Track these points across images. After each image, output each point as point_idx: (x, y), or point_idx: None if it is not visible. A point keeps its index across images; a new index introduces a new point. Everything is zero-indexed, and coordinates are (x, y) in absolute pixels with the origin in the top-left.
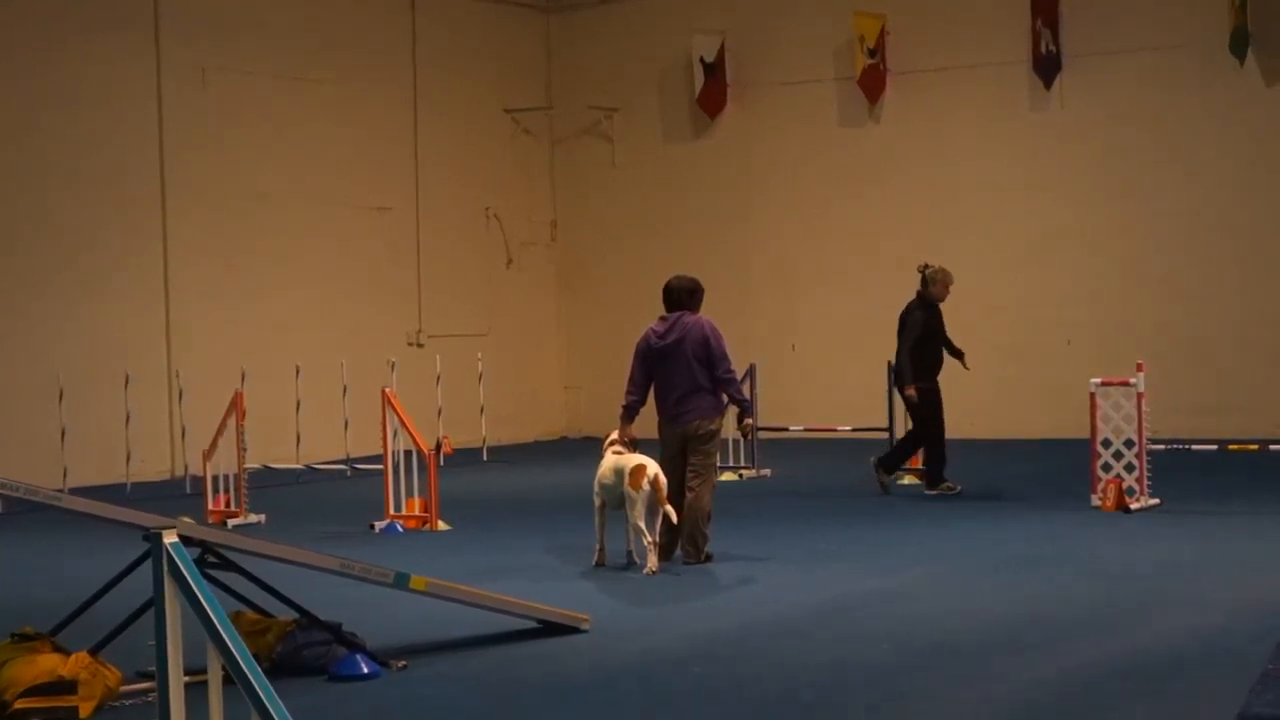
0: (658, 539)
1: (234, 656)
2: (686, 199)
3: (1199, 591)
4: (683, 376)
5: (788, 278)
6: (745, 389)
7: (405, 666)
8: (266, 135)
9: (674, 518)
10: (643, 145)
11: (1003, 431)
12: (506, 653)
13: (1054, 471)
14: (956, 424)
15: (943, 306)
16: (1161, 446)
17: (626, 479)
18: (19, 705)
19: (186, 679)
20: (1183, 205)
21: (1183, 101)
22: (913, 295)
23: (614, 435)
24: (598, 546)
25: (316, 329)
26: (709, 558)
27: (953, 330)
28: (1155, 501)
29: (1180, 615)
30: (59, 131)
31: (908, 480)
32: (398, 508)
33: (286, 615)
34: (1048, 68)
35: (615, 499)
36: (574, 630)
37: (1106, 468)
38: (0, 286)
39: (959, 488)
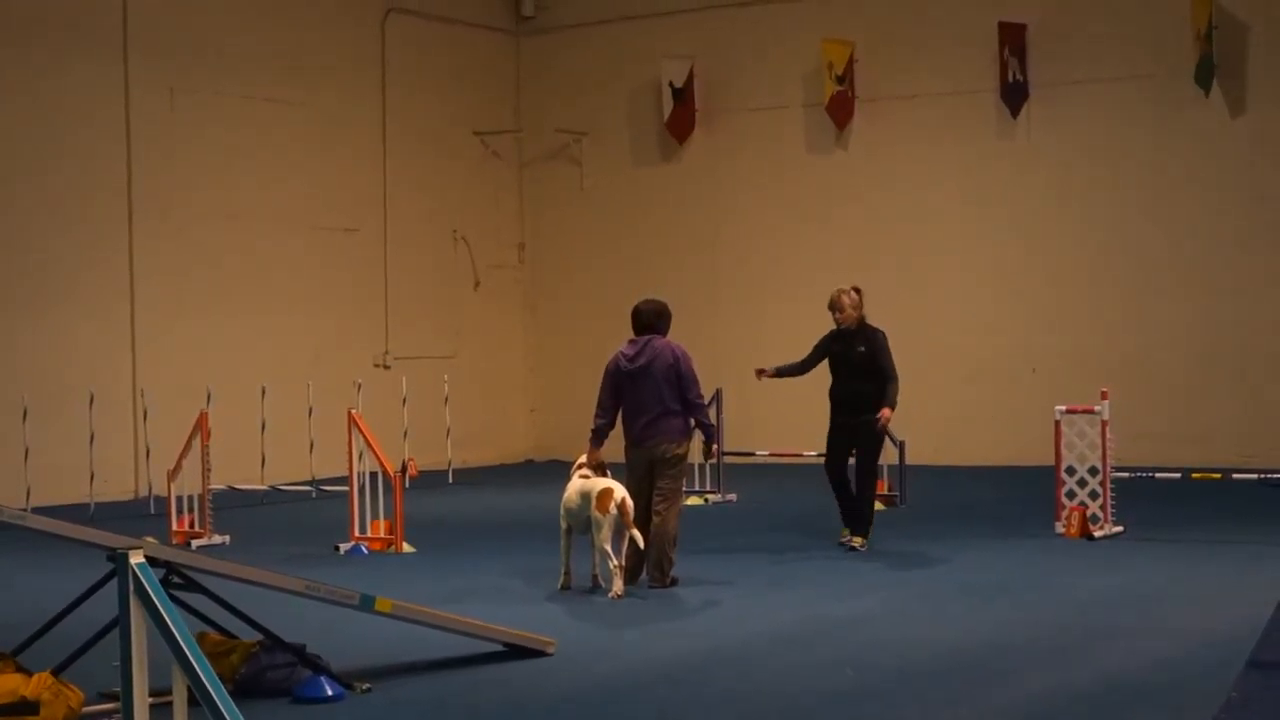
0: (623, 562)
1: (199, 677)
2: (654, 223)
3: (1163, 619)
4: (651, 400)
5: (755, 302)
6: (711, 413)
7: (369, 689)
8: (234, 156)
9: (640, 542)
10: (611, 169)
11: (967, 458)
12: (471, 676)
13: (1018, 498)
14: (919, 450)
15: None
16: (1125, 474)
17: (594, 502)
18: None
19: (151, 700)
20: (1149, 234)
21: (1148, 131)
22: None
23: (582, 459)
24: (563, 570)
25: (282, 350)
26: (674, 582)
27: (919, 356)
28: (1119, 529)
29: (1144, 643)
30: (27, 150)
31: (879, 506)
32: (363, 529)
33: (251, 636)
34: (1015, 96)
35: (581, 523)
36: (539, 654)
37: (1071, 495)
38: None
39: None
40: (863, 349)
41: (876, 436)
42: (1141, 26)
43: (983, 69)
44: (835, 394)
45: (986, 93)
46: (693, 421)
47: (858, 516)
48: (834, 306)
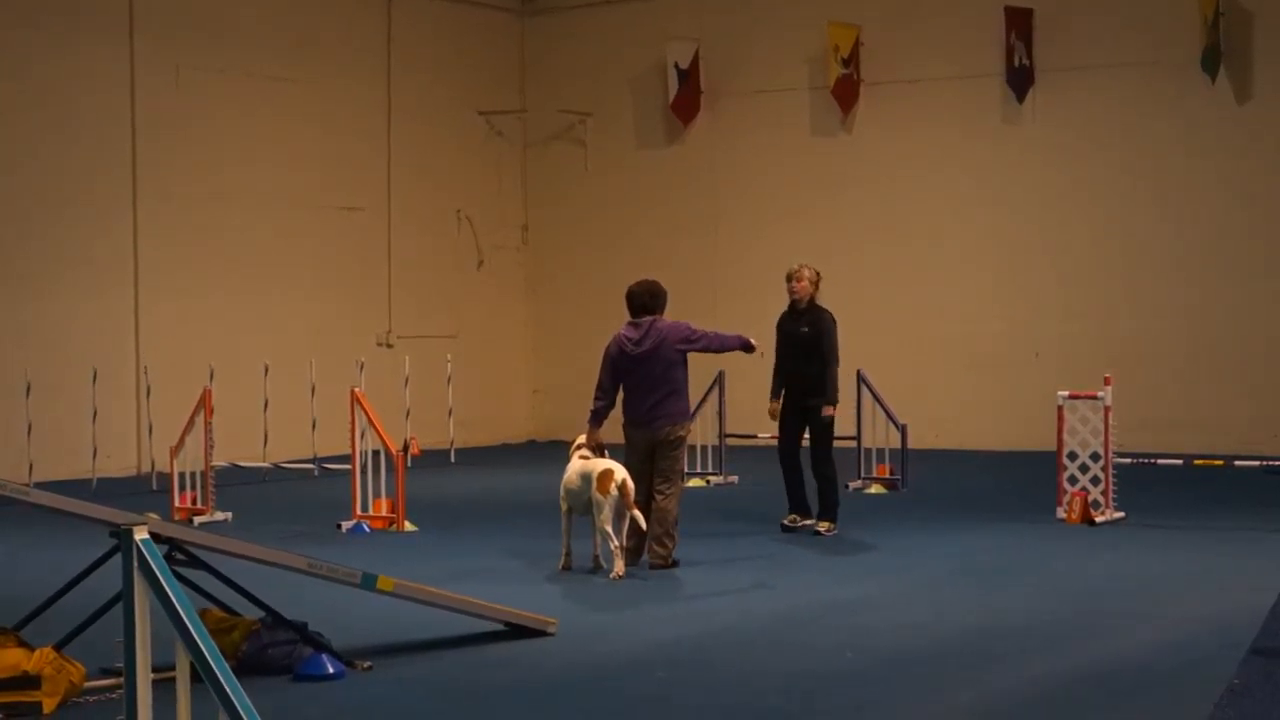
0: (624, 544)
1: (203, 654)
2: (658, 205)
3: (1163, 605)
4: (656, 382)
5: (757, 285)
6: (714, 396)
7: (370, 667)
8: (239, 134)
9: (641, 523)
10: (615, 150)
11: (969, 442)
12: (472, 655)
13: (1020, 483)
14: (921, 435)
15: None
16: (1127, 460)
17: (594, 484)
18: None
19: (153, 676)
20: (1153, 220)
21: (1154, 117)
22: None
23: (581, 439)
24: (564, 550)
25: (286, 328)
26: (675, 563)
27: (922, 339)
28: (1120, 515)
29: (1145, 629)
30: (32, 127)
31: (874, 489)
32: (365, 508)
33: (253, 614)
34: (1021, 81)
35: (581, 504)
36: (540, 634)
37: (1072, 480)
38: None
39: (795, 522)
40: (806, 329)
41: (825, 426)
42: (1148, 12)
43: (988, 53)
44: (781, 375)
45: (992, 77)
46: (740, 349)
47: (824, 504)
48: (792, 277)
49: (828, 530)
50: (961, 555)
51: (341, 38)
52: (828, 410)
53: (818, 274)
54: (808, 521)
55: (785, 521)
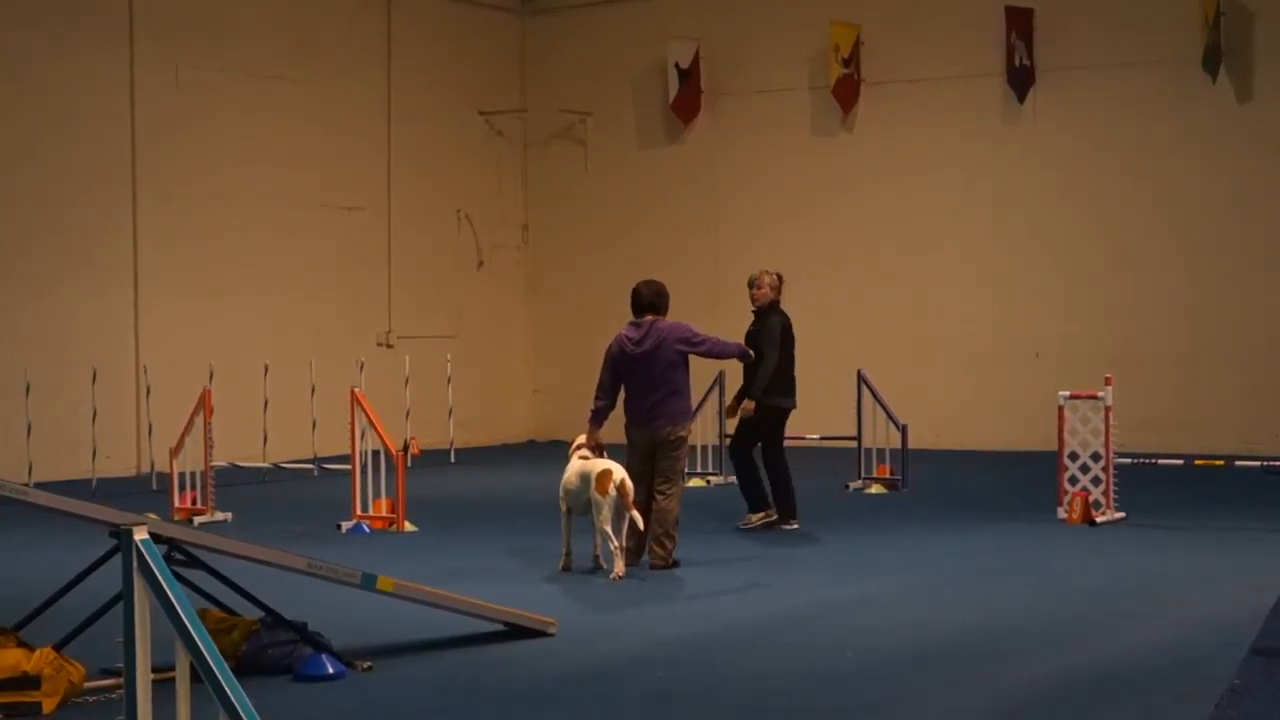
0: (624, 544)
1: (203, 655)
2: (658, 205)
3: (1164, 605)
4: (657, 382)
5: None
6: (714, 396)
7: (370, 668)
8: (239, 133)
9: (640, 523)
10: (616, 150)
11: (970, 442)
12: (472, 655)
13: (1020, 483)
14: (921, 435)
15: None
16: (1128, 460)
17: (593, 484)
18: None
19: (153, 676)
20: (1153, 220)
21: (1155, 117)
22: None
23: (581, 439)
24: (564, 551)
25: (285, 328)
26: (675, 563)
27: (922, 340)
28: (1121, 515)
29: (1145, 629)
30: (31, 127)
31: (874, 489)
32: (365, 508)
33: (252, 614)
34: (1021, 81)
35: (580, 504)
36: (540, 634)
37: (1073, 480)
38: None
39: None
40: (753, 329)
41: (763, 424)
42: (1148, 12)
43: (989, 53)
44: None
45: (993, 77)
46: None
47: (777, 501)
48: (753, 284)
49: (791, 528)
50: (961, 555)
51: (341, 38)
52: (746, 406)
53: (778, 276)
54: (763, 518)
55: (739, 524)
